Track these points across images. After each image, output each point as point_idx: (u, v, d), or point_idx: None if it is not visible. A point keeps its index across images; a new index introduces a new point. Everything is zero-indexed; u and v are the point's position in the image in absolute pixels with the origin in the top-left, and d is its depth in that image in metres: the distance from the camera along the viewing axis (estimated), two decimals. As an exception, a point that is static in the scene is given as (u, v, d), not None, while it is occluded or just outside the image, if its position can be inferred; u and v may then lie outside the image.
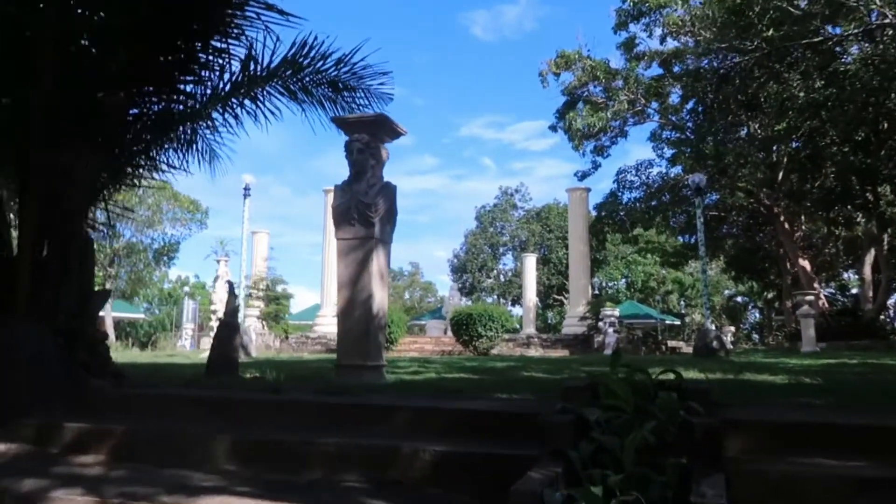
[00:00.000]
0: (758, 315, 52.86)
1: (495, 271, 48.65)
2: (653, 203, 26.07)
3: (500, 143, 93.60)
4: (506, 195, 49.71)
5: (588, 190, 25.15)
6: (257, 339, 18.96)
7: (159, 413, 4.47)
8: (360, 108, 6.81)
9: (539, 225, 46.24)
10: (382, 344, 6.56)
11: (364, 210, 6.42)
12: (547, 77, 23.12)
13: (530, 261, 37.75)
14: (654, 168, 24.77)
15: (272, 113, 6.70)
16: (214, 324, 15.09)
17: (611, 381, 3.20)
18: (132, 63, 5.47)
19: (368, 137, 6.56)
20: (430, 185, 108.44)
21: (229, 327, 7.00)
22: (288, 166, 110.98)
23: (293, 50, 5.85)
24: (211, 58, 5.92)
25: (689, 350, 19.31)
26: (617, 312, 19.04)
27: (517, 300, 42.76)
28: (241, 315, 14.07)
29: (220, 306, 15.25)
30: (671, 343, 24.69)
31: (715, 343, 11.48)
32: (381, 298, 6.51)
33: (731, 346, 24.87)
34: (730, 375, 7.90)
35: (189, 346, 19.35)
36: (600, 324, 19.15)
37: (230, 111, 6.78)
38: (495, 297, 49.50)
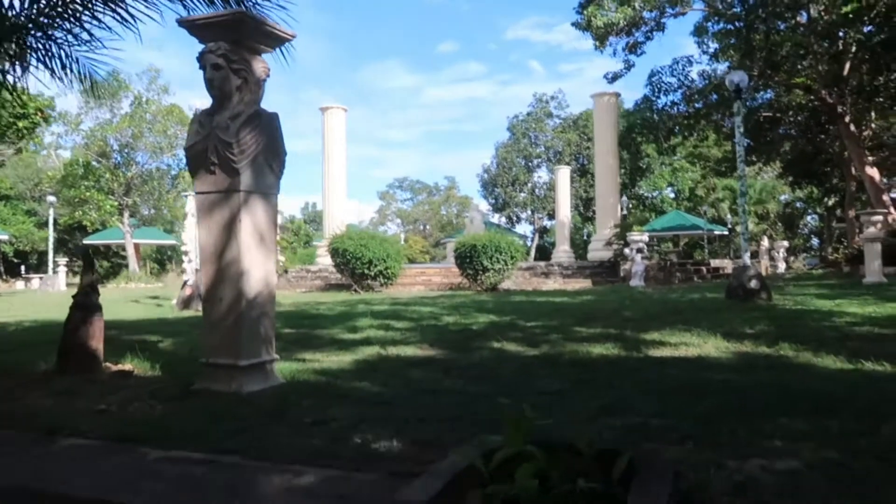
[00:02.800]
0: (817, 220, 49.27)
1: (529, 185, 46.12)
2: (698, 105, 23.09)
3: (547, 45, 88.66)
4: (540, 103, 46.41)
5: (617, 95, 22.39)
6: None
7: None
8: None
9: (576, 134, 43.16)
10: (268, 333, 4.80)
11: (225, 151, 4.53)
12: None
13: (563, 174, 35.26)
14: (695, 66, 21.65)
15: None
16: (187, 275, 13.66)
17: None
18: None
19: (228, 46, 4.57)
20: (476, 93, 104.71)
21: (82, 308, 5.33)
22: (332, 80, 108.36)
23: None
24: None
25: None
26: (646, 237, 16.84)
27: (552, 215, 40.49)
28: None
29: (190, 247, 13.76)
30: (714, 262, 22.42)
31: (753, 283, 9.36)
32: (261, 272, 4.71)
33: (783, 268, 22.46)
34: (762, 347, 5.92)
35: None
36: (626, 250, 17.03)
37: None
38: (529, 211, 47.26)
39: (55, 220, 38.92)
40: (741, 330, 6.83)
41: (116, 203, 32.71)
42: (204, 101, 12.21)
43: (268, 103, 4.83)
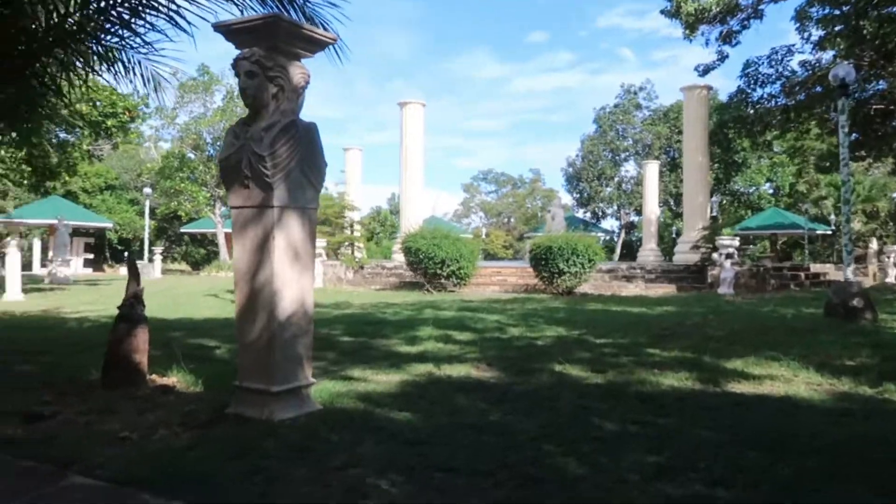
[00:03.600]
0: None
1: (616, 179, 44.53)
2: (800, 97, 21.32)
3: (640, 33, 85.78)
4: (628, 94, 44.65)
5: (709, 88, 20.96)
6: (325, 271, 17.74)
7: None
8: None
9: (666, 126, 41.24)
10: (303, 356, 4.53)
11: (258, 164, 4.27)
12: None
13: (652, 168, 33.77)
14: (796, 56, 19.96)
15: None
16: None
17: None
18: None
19: (263, 52, 4.31)
20: (565, 83, 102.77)
21: (127, 321, 5.26)
22: (419, 70, 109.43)
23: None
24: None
25: (838, 276, 15.66)
26: (736, 242, 15.63)
27: (640, 210, 38.92)
28: None
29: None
30: (814, 267, 20.73)
31: (857, 301, 8.37)
32: (296, 291, 4.45)
33: (894, 275, 20.44)
34: (863, 387, 5.14)
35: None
36: (715, 255, 15.90)
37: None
38: (615, 207, 45.67)
39: (153, 210, 41.02)
40: (839, 361, 6.03)
41: (209, 194, 33.99)
42: None
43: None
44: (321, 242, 17.47)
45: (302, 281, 4.54)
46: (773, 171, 42.65)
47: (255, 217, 4.38)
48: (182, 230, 42.95)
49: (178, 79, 31.61)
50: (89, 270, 38.50)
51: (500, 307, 11.41)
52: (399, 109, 21.91)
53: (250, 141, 4.31)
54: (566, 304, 12.29)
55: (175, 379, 5.46)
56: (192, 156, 34.56)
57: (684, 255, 18.92)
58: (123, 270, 35.82)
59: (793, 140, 32.74)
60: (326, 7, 6.01)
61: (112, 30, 5.60)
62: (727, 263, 15.15)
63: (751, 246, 45.51)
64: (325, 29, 5.94)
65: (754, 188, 43.87)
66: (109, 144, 19.79)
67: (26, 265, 30.39)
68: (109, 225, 38.26)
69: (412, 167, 21.38)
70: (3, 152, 15.25)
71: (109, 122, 16.34)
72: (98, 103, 16.02)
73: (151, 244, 39.44)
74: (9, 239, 15.34)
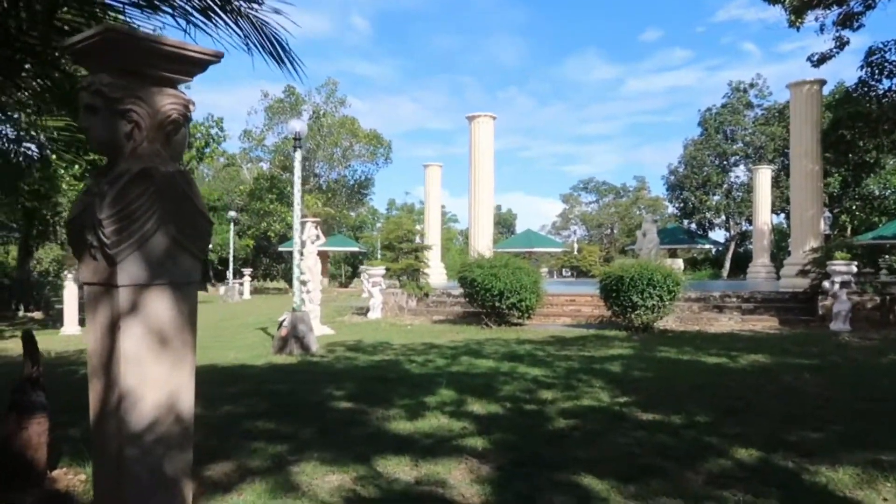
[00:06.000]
0: None
1: (725, 185, 40.92)
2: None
3: (764, 24, 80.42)
4: (737, 92, 41.02)
5: (822, 83, 18.12)
6: (387, 299, 16.75)
7: None
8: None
9: (781, 127, 37.39)
10: (176, 479, 3.39)
11: (98, 230, 3.18)
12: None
13: (764, 175, 30.75)
14: (934, 39, 16.86)
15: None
16: (306, 299, 12.95)
17: None
18: None
19: (109, 78, 3.23)
20: (681, 82, 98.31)
21: (18, 410, 4.38)
22: (530, 76, 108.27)
23: None
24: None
25: None
26: (854, 268, 13.06)
27: (751, 220, 35.46)
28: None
29: (308, 276, 13.05)
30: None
31: None
32: (163, 392, 3.35)
33: None
34: None
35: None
36: (826, 283, 13.42)
37: None
38: (723, 217, 42.04)
39: (248, 228, 42.05)
40: None
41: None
42: (296, 124, 11.17)
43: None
44: (380, 270, 16.52)
45: (174, 378, 3.40)
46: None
47: (102, 296, 3.29)
48: (280, 248, 43.92)
49: (291, 93, 31.91)
50: (191, 290, 39.94)
51: (553, 354, 9.89)
52: (468, 124, 20.69)
53: (97, 198, 3.24)
54: (634, 347, 10.53)
55: (83, 477, 4.51)
56: (283, 177, 35.04)
57: (791, 279, 16.35)
58: (223, 290, 36.87)
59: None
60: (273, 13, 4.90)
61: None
62: (843, 294, 12.68)
63: (886, 256, 40.41)
64: (278, 43, 4.85)
65: (890, 191, 38.89)
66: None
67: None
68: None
69: (482, 186, 20.04)
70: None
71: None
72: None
73: (245, 264, 40.47)
74: (66, 272, 15.59)
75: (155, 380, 3.30)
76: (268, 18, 4.64)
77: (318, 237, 13.07)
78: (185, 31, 4.70)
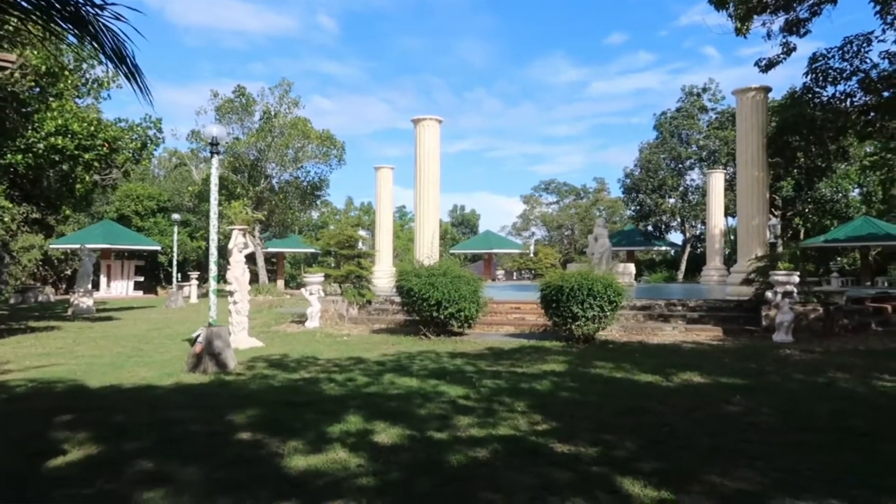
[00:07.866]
0: None
1: (680, 189, 41.14)
2: (885, 94, 18.20)
3: (725, 28, 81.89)
4: (690, 96, 41.32)
5: (767, 90, 18.07)
6: (327, 307, 16.13)
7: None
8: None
9: (733, 131, 37.69)
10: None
11: None
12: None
13: (717, 179, 30.96)
14: (875, 46, 16.92)
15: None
16: (233, 310, 12.26)
17: None
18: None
19: None
20: (646, 84, 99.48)
21: None
22: (497, 77, 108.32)
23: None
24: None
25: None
26: (795, 278, 12.90)
27: (705, 222, 35.65)
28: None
29: (235, 287, 12.36)
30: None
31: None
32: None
33: None
34: None
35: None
36: (769, 293, 13.24)
37: None
38: (678, 220, 42.29)
39: (198, 230, 40.86)
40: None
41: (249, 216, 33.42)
42: (213, 128, 10.48)
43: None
44: (318, 277, 15.88)
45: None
46: (862, 176, 38.41)
47: None
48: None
49: (241, 93, 31.18)
50: (140, 293, 38.71)
51: (483, 369, 9.41)
52: (413, 127, 20.15)
53: None
54: (570, 362, 10.09)
55: None
56: (235, 177, 34.06)
57: (737, 287, 16.21)
58: (173, 292, 35.66)
59: (877, 146, 28.98)
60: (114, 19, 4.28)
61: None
62: (784, 304, 12.51)
63: (838, 258, 41.21)
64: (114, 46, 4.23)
65: (842, 195, 39.57)
66: (118, 174, 18.86)
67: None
68: (158, 248, 38.34)
69: (427, 188, 19.51)
70: None
71: (87, 156, 15.32)
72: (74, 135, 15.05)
73: (199, 266, 39.35)
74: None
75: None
76: (111, 24, 4.04)
77: (245, 245, 12.37)
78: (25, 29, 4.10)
